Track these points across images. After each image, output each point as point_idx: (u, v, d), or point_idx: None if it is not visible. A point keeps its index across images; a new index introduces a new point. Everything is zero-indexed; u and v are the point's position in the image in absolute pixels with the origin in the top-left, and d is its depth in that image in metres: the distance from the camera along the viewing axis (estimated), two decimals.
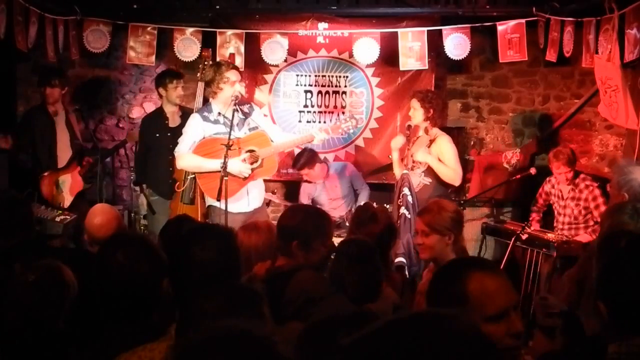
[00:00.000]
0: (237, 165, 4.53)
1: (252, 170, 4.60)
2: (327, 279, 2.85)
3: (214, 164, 4.54)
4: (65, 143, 5.73)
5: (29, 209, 3.28)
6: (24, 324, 2.26)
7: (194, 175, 4.99)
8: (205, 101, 5.23)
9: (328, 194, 6.06)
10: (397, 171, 5.24)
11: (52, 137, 5.67)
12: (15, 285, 2.34)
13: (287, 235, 2.88)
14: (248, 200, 4.70)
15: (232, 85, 4.63)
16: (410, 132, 5.14)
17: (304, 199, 6.13)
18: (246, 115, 4.75)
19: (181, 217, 3.46)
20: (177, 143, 4.95)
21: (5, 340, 2.24)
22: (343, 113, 6.54)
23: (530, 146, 6.58)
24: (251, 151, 4.61)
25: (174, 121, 5.58)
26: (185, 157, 4.70)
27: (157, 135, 5.52)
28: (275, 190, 6.33)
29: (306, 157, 5.89)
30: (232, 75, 4.64)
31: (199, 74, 5.44)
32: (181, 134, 4.94)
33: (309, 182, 6.05)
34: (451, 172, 5.06)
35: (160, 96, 5.64)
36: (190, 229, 2.58)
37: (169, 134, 5.47)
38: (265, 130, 4.76)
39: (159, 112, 5.67)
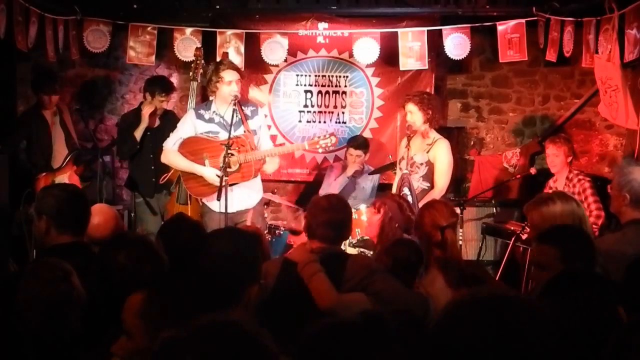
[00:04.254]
0: (209, 172, 4.57)
1: (228, 173, 4.52)
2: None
3: (190, 166, 4.64)
4: (61, 143, 5.74)
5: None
6: (43, 324, 2.23)
7: None
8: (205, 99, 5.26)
9: (355, 190, 6.01)
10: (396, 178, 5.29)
11: (48, 138, 5.68)
12: (33, 285, 2.31)
13: (337, 226, 3.06)
14: (232, 201, 4.59)
15: (228, 85, 4.61)
16: (410, 132, 5.11)
17: (331, 177, 6.06)
18: (246, 117, 4.73)
19: (178, 217, 3.44)
20: (157, 142, 5.07)
21: (22, 340, 2.22)
22: (343, 113, 6.56)
23: (530, 146, 6.58)
24: (229, 154, 4.57)
25: (154, 121, 5.60)
26: (168, 154, 4.76)
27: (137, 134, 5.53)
28: (275, 190, 6.32)
29: (364, 139, 6.01)
30: (227, 74, 4.62)
31: (191, 73, 5.48)
32: (160, 134, 5.10)
33: (338, 171, 5.98)
34: (438, 184, 5.00)
35: (144, 99, 5.64)
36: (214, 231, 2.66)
37: (148, 133, 5.51)
38: (249, 137, 4.69)
39: (138, 111, 5.64)
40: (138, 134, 5.45)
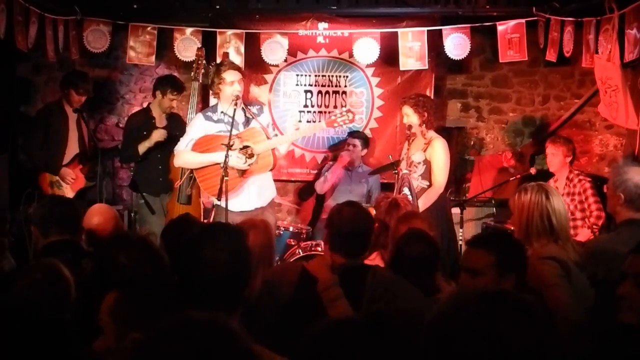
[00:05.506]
0: (232, 157, 4.52)
1: (248, 165, 4.59)
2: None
3: (207, 158, 4.62)
4: (74, 142, 5.77)
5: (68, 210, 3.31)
6: (30, 323, 2.24)
7: (191, 175, 5.01)
8: (206, 101, 5.29)
9: (351, 184, 6.05)
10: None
11: (65, 135, 5.70)
12: (20, 285, 2.32)
13: (361, 239, 2.93)
14: (249, 199, 4.69)
15: (230, 85, 4.63)
16: (410, 133, 5.14)
17: (330, 185, 6.10)
18: (253, 116, 4.75)
19: (183, 218, 3.44)
20: (165, 143, 5.04)
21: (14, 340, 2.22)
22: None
23: (530, 146, 6.58)
24: (246, 147, 4.61)
25: (161, 122, 5.61)
26: (181, 155, 4.76)
27: (145, 133, 5.52)
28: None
29: (364, 134, 6.12)
30: (228, 75, 4.64)
31: (192, 73, 5.49)
32: (168, 134, 5.12)
33: (347, 159, 6.02)
34: (436, 181, 5.03)
35: (154, 97, 5.64)
36: (202, 228, 2.56)
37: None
38: (264, 129, 4.74)
39: (147, 111, 5.68)
40: (142, 148, 5.43)
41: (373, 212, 5.12)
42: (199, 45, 5.77)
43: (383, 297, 2.70)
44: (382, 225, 3.65)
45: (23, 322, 2.04)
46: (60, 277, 2.35)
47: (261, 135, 4.65)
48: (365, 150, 6.13)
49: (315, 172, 6.63)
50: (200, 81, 5.53)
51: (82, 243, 3.28)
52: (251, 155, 4.59)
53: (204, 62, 5.53)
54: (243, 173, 4.62)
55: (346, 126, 4.93)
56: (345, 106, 6.52)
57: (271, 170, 4.78)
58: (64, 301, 2.31)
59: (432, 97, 6.35)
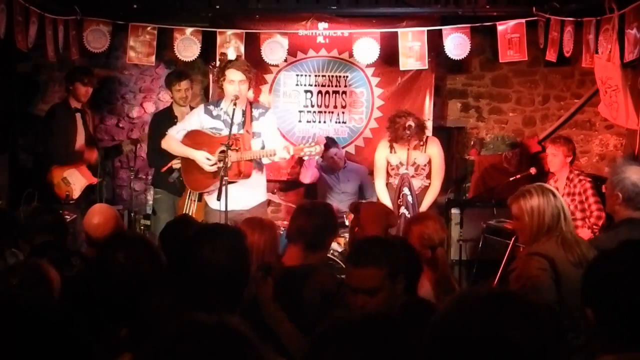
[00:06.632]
0: (201, 156, 4.57)
1: (216, 168, 4.56)
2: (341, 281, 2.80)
3: (186, 151, 4.67)
4: (82, 140, 5.77)
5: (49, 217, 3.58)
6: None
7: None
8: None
9: (339, 184, 6.09)
10: (380, 183, 5.29)
11: (72, 133, 5.71)
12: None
13: (315, 230, 2.96)
14: (229, 201, 4.58)
15: (230, 84, 4.61)
16: (410, 133, 5.15)
17: (310, 174, 6.12)
18: (252, 119, 4.73)
19: (182, 218, 3.46)
20: None
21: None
22: (343, 113, 6.56)
23: (530, 146, 6.58)
24: (223, 152, 4.51)
25: None
26: (168, 139, 4.80)
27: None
28: (275, 190, 6.32)
29: (331, 139, 6.11)
30: (230, 74, 4.61)
31: (214, 77, 5.52)
32: None
33: (334, 165, 6.06)
34: (437, 178, 5.19)
35: (172, 98, 5.74)
36: (200, 229, 2.55)
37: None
38: (246, 137, 4.64)
39: (169, 111, 5.73)
40: (170, 162, 5.37)
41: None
42: (199, 45, 5.79)
43: (321, 306, 2.60)
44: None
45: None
46: (40, 279, 2.35)
47: (239, 144, 4.55)
48: (337, 150, 6.11)
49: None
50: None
51: (68, 244, 3.51)
52: (221, 161, 4.48)
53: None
54: (214, 175, 4.58)
55: (310, 157, 4.85)
56: (345, 107, 6.54)
57: (245, 178, 4.64)
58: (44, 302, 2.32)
59: (432, 97, 6.38)
